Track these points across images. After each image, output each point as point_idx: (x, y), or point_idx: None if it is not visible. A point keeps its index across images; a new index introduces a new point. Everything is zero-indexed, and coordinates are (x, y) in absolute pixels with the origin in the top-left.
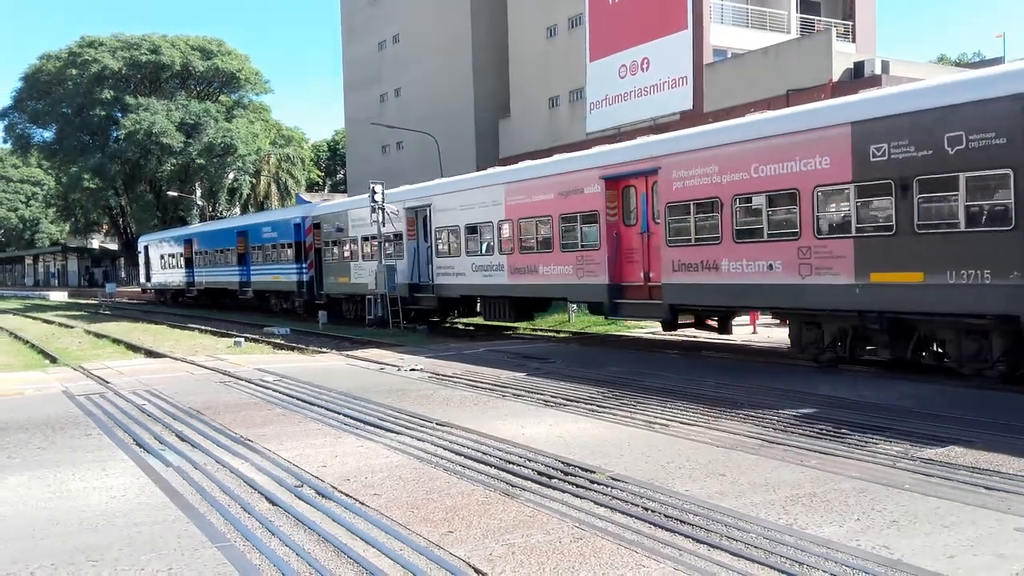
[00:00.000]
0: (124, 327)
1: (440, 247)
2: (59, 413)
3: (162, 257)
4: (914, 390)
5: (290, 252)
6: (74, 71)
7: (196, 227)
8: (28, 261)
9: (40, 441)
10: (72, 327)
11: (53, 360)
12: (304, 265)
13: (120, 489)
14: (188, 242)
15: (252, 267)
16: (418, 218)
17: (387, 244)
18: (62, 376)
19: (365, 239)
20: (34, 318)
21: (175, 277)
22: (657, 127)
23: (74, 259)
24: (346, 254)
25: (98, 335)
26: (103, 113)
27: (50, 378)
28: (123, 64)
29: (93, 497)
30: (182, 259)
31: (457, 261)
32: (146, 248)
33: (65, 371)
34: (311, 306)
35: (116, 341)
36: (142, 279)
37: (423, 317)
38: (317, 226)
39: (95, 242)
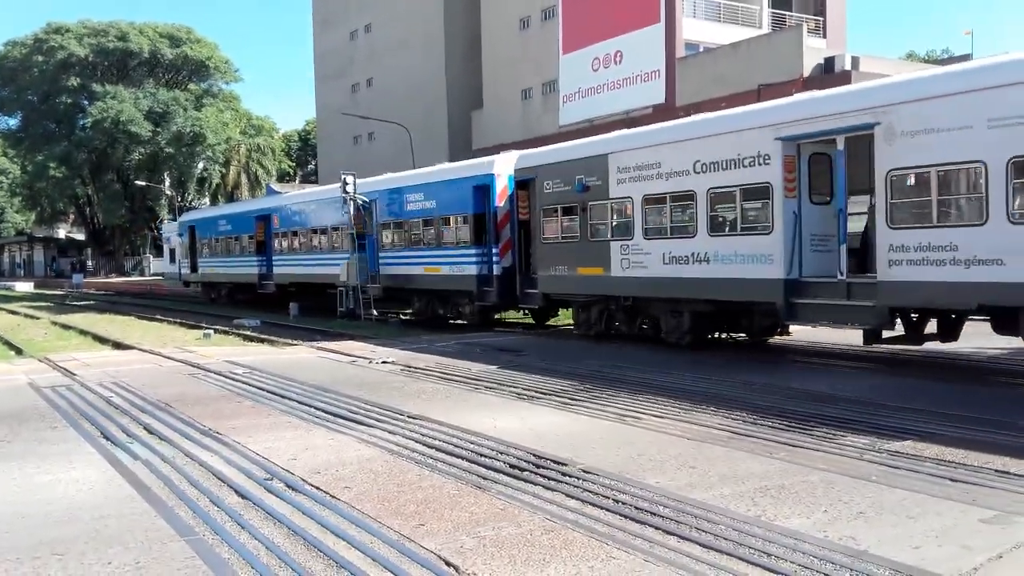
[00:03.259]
0: (91, 318)
1: (913, 206)
2: (24, 405)
3: (216, 240)
4: (884, 383)
5: (464, 230)
6: (40, 58)
7: (279, 198)
8: None
9: (4, 433)
10: (38, 318)
11: (18, 351)
12: (494, 249)
13: (87, 482)
14: (264, 219)
15: (382, 254)
16: (801, 157)
17: (717, 205)
18: (27, 368)
19: (651, 201)
20: None
21: (238, 268)
22: (630, 121)
23: (40, 249)
24: (601, 227)
25: (65, 326)
26: (69, 101)
27: (15, 369)
28: (90, 51)
29: (59, 490)
30: (251, 243)
31: (981, 235)
32: (191, 229)
33: (31, 363)
34: (489, 311)
35: (83, 332)
36: (182, 270)
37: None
38: (524, 185)
39: (61, 232)
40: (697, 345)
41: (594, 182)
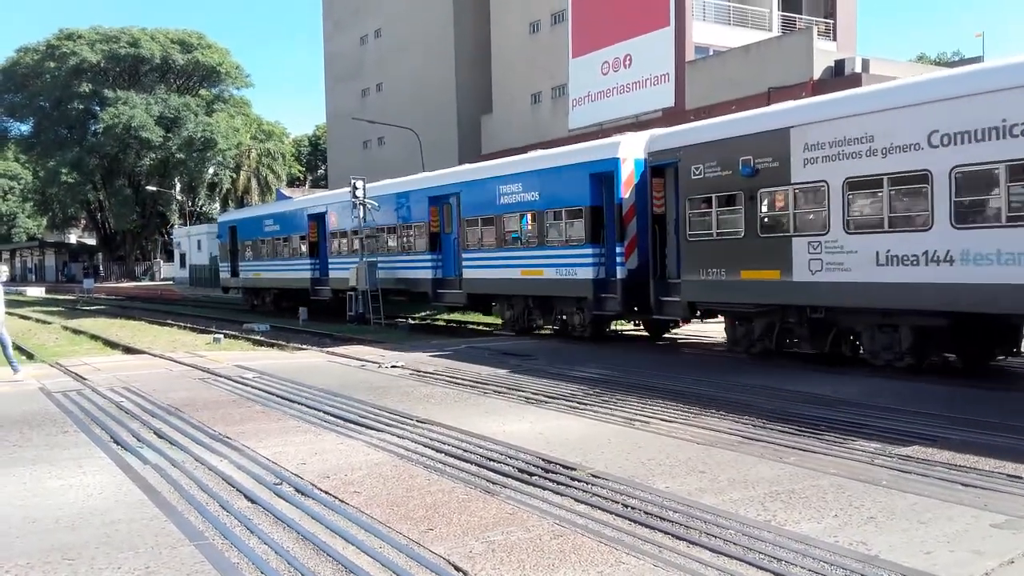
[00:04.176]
0: (102, 323)
1: None
2: (36, 410)
3: (262, 242)
4: (892, 387)
5: (576, 226)
6: (52, 64)
7: (336, 194)
8: (5, 256)
9: (16, 438)
10: (49, 323)
11: (30, 356)
12: (617, 248)
13: (97, 487)
14: (318, 218)
15: (467, 255)
16: None
17: (967, 188)
18: (39, 373)
19: (858, 185)
20: (10, 314)
21: (287, 272)
22: (640, 124)
23: (51, 254)
24: (778, 220)
25: (76, 331)
26: (81, 107)
27: (27, 375)
28: (102, 57)
29: (70, 495)
30: (302, 244)
31: None
32: (232, 230)
33: (42, 368)
34: (603, 323)
35: (94, 337)
36: (222, 275)
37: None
38: (659, 172)
39: (73, 237)
40: (916, 369)
41: (768, 164)
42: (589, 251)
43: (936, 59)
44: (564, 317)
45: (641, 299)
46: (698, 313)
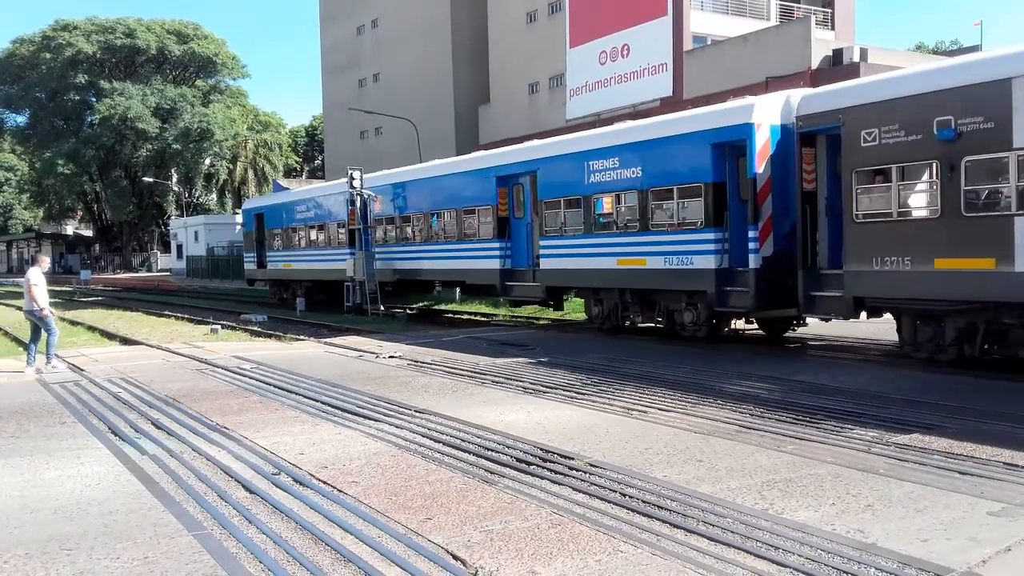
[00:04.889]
0: (99, 314)
1: None
2: (33, 401)
3: (293, 230)
4: (889, 376)
5: (693, 207)
6: (48, 55)
7: (381, 175)
8: (1, 248)
9: (13, 429)
10: None
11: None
12: (750, 232)
13: (95, 477)
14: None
15: (544, 242)
16: None
17: None
18: (36, 364)
19: None
20: (7, 305)
21: (323, 262)
22: (637, 113)
23: (48, 245)
24: (993, 195)
25: (73, 322)
26: (77, 98)
27: (23, 366)
28: (98, 48)
29: (68, 485)
30: (341, 233)
31: None
32: (258, 217)
33: (39, 359)
34: (722, 321)
35: (91, 328)
36: (247, 266)
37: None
38: (810, 140)
39: (69, 228)
40: None
41: (977, 125)
42: (711, 236)
43: (934, 48)
44: (660, 315)
45: (777, 293)
46: (863, 311)
